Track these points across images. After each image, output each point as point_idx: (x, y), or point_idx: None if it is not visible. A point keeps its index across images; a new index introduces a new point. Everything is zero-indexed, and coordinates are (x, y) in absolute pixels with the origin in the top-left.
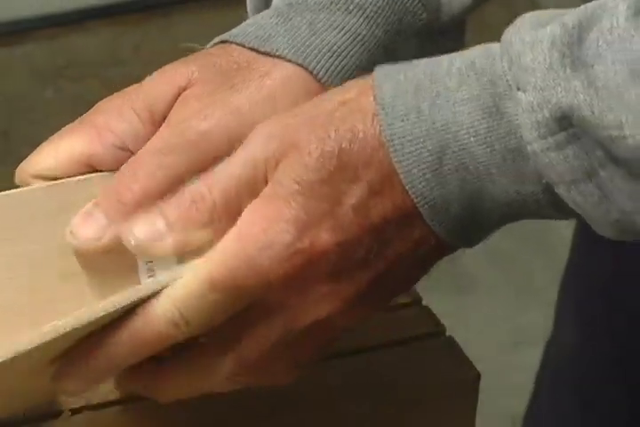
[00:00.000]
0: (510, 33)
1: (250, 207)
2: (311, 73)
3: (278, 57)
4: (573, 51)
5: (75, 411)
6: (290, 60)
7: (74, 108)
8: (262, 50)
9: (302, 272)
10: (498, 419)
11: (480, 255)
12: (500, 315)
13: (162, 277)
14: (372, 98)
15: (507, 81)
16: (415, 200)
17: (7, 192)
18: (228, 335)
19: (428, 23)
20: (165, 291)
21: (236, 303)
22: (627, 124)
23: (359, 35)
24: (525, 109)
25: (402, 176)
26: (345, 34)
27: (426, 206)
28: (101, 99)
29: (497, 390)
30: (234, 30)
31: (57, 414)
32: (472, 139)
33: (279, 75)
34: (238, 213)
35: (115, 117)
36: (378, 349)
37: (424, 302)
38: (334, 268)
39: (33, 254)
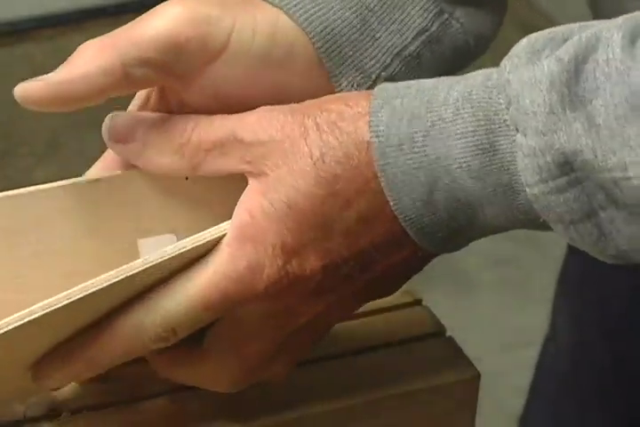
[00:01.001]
0: (507, 68)
1: (241, 225)
2: (291, 17)
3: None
4: (571, 88)
5: (75, 411)
6: (271, 4)
7: None
8: None
9: (288, 290)
10: (498, 419)
11: (480, 256)
12: (500, 315)
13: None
14: (367, 124)
15: (504, 121)
16: (404, 225)
17: (12, 192)
18: (226, 344)
19: None
20: (158, 307)
21: (223, 314)
22: (631, 165)
23: None
24: (527, 154)
25: (392, 204)
26: None
27: (415, 230)
28: None
29: (497, 390)
30: None
31: (57, 414)
32: (464, 174)
33: (262, 7)
34: (199, 164)
35: None
36: (378, 349)
37: (424, 302)
38: (318, 285)
39: (37, 255)
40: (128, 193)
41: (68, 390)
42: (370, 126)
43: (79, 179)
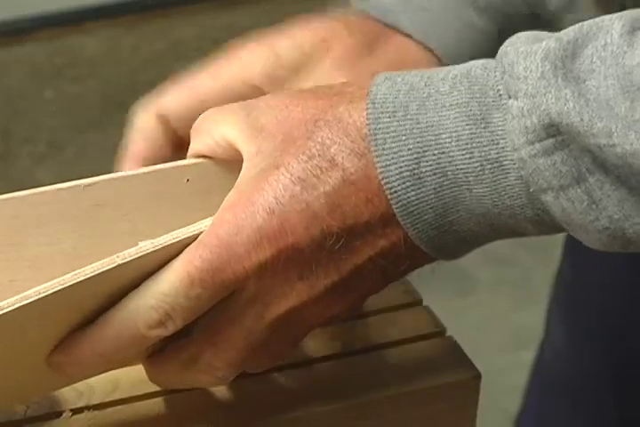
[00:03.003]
0: (506, 45)
1: (227, 197)
2: (432, 53)
3: (404, 34)
4: (566, 64)
5: (75, 411)
6: (415, 40)
7: (74, 108)
8: (387, 22)
9: (274, 260)
10: (498, 419)
11: (479, 256)
12: (500, 315)
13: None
14: (366, 93)
15: (497, 91)
16: (389, 197)
17: (11, 195)
18: (207, 330)
19: (532, 16)
20: (148, 290)
21: (217, 296)
22: (616, 132)
23: (476, 25)
24: (515, 115)
25: (379, 171)
26: (464, 23)
27: (399, 205)
28: (101, 99)
29: (497, 390)
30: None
31: (57, 414)
32: (453, 143)
33: (404, 48)
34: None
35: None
36: (378, 349)
37: (424, 302)
38: (304, 256)
39: (36, 258)
40: (127, 196)
41: (68, 389)
42: (368, 95)
43: (78, 182)
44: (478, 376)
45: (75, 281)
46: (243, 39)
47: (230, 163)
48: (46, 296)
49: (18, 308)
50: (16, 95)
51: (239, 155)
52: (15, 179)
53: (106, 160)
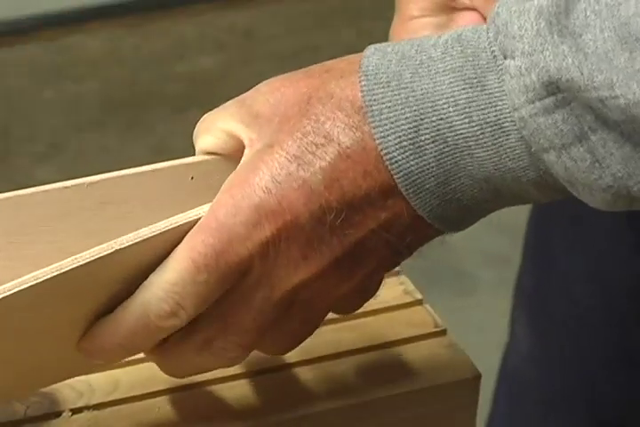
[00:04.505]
0: (497, 6)
1: (226, 181)
2: None
3: None
4: (560, 20)
5: (75, 411)
6: None
7: (74, 108)
8: None
9: (274, 239)
10: None
11: (479, 256)
12: (500, 315)
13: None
14: (357, 67)
15: (492, 52)
16: (390, 168)
17: (14, 193)
18: (215, 315)
19: None
20: (155, 282)
21: (224, 281)
22: (617, 83)
23: None
24: (514, 75)
25: (377, 142)
26: None
27: (400, 175)
28: (101, 99)
29: None
30: None
31: (57, 414)
32: (451, 109)
33: None
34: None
35: None
36: (378, 348)
37: (424, 303)
38: (305, 233)
39: (39, 256)
40: (131, 194)
41: (68, 389)
42: (360, 68)
43: (82, 180)
44: (478, 376)
45: (72, 266)
46: None
47: (235, 160)
48: (44, 281)
49: (15, 293)
50: (16, 95)
51: (243, 145)
52: (15, 179)
53: (106, 160)
